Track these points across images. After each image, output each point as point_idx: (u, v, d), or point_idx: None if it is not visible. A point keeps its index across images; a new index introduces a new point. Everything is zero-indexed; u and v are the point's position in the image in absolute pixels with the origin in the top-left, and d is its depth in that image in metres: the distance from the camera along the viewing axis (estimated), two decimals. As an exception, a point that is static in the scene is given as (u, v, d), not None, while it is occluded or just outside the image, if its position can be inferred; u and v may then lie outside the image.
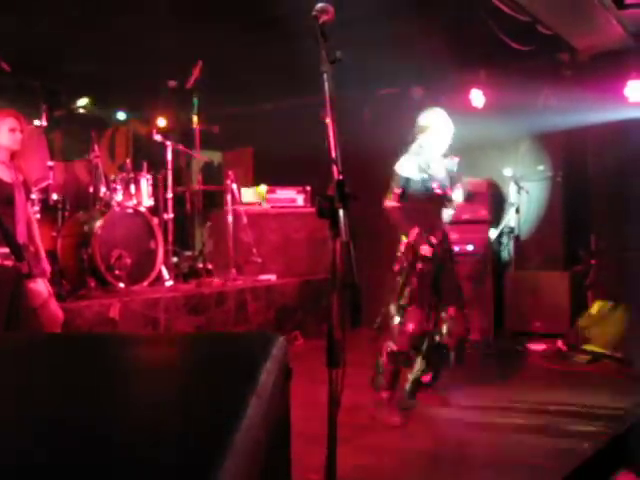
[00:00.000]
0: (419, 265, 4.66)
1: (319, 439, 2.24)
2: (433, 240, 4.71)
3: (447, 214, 4.98)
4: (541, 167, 7.40)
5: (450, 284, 4.89)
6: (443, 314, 4.81)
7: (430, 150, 4.86)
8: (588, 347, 6.33)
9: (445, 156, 4.96)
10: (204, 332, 5.94)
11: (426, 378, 4.94)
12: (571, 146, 7.45)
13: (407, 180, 4.75)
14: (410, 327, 4.65)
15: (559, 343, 6.59)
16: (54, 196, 6.69)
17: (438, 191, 4.77)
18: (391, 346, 4.68)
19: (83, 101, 8.28)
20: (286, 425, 1.80)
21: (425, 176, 4.76)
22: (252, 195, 8.09)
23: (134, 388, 1.56)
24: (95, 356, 1.87)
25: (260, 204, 8.10)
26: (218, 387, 1.51)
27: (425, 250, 4.64)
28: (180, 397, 1.44)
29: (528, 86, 6.85)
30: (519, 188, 7.12)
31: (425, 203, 4.78)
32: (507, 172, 7.20)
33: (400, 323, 4.67)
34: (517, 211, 7.13)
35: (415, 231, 4.67)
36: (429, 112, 4.94)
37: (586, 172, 7.46)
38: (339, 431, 2.19)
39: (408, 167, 4.77)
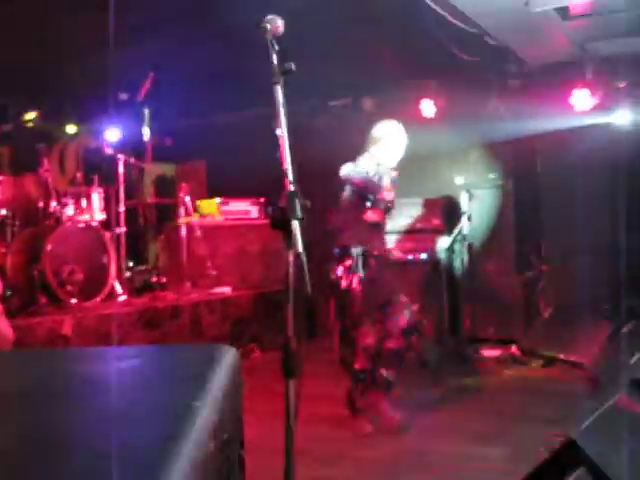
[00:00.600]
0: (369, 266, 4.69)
1: (278, 451, 2.23)
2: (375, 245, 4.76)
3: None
4: (492, 175, 7.50)
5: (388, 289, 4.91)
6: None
7: (381, 161, 4.88)
8: (542, 352, 6.42)
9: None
10: (155, 345, 5.88)
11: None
12: (521, 154, 7.57)
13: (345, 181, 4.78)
14: (366, 342, 4.67)
15: (513, 348, 6.67)
16: (3, 211, 6.56)
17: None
18: (354, 365, 4.71)
19: (31, 115, 8.14)
20: (239, 436, 1.79)
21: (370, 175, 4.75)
22: (207, 207, 8.05)
23: (81, 401, 1.53)
24: (44, 371, 1.84)
25: (214, 217, 8.06)
26: (168, 397, 1.49)
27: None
28: (129, 408, 1.42)
29: (477, 96, 6.97)
30: (471, 196, 7.20)
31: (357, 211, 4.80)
32: (458, 180, 7.29)
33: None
34: (469, 219, 7.21)
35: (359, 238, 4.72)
36: (383, 123, 4.97)
37: (536, 179, 7.60)
38: (298, 442, 2.18)
39: (347, 167, 4.78)
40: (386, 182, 4.85)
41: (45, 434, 1.31)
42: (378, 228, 4.94)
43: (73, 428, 1.34)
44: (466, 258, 7.10)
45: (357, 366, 4.69)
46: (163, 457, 1.12)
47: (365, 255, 4.72)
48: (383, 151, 4.89)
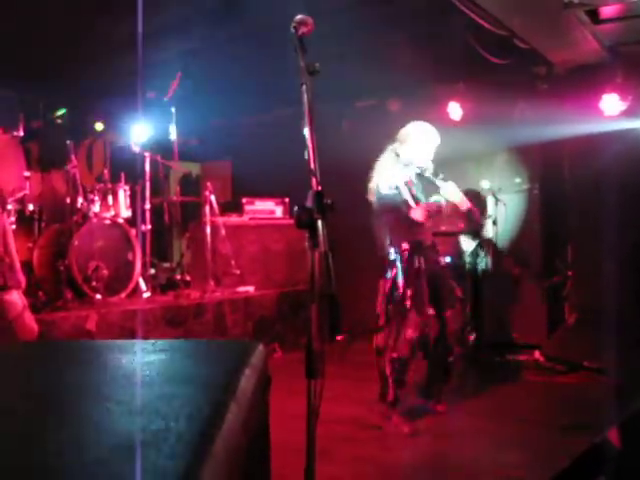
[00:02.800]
0: (414, 272, 4.70)
1: (298, 451, 2.23)
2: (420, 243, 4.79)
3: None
4: (518, 179, 7.45)
5: (445, 289, 4.97)
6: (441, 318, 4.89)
7: (407, 161, 4.88)
8: (566, 358, 6.37)
9: (423, 171, 5.00)
10: (184, 339, 5.91)
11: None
12: (548, 159, 7.51)
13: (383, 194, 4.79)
14: (409, 333, 4.67)
15: (537, 354, 6.62)
16: (30, 207, 6.63)
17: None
18: (392, 354, 4.69)
19: (61, 111, 8.22)
20: (266, 432, 1.79)
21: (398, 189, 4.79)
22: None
23: (111, 395, 1.54)
24: (70, 364, 1.85)
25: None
26: (197, 394, 1.50)
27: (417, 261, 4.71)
28: (158, 404, 1.43)
29: (505, 99, 6.91)
30: (496, 200, 7.15)
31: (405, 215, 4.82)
32: (484, 184, 7.24)
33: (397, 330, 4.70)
34: (495, 223, 7.16)
35: (405, 242, 4.74)
36: (412, 124, 4.97)
37: (563, 184, 7.53)
38: (318, 442, 2.18)
39: (385, 181, 4.80)
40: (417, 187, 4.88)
41: (71, 427, 1.32)
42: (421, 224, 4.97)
43: (102, 422, 1.35)
44: (490, 262, 7.06)
45: (395, 354, 4.68)
46: (193, 453, 1.12)
47: (420, 247, 4.77)
48: (409, 151, 4.88)
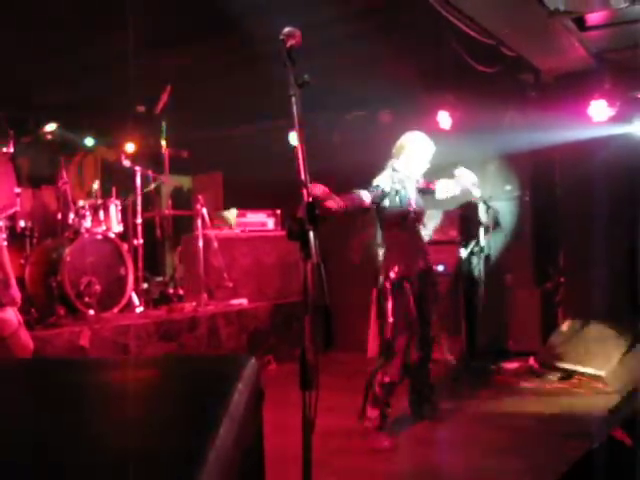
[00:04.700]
0: (403, 291, 4.71)
1: (294, 463, 2.22)
2: (412, 264, 4.79)
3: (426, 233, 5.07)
4: (509, 187, 7.47)
5: (429, 308, 4.96)
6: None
7: (404, 172, 4.89)
8: (560, 364, 6.38)
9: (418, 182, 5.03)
10: (175, 355, 5.89)
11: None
12: (538, 166, 7.54)
13: (382, 195, 4.77)
14: (400, 359, 4.68)
15: (531, 361, 6.62)
16: (22, 223, 6.61)
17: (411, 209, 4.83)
18: (384, 378, 4.69)
19: (51, 127, 8.20)
20: (259, 446, 1.79)
21: (400, 191, 4.79)
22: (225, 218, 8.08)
23: (105, 411, 1.53)
24: (63, 381, 1.84)
25: (231, 227, 8.08)
26: (190, 407, 1.49)
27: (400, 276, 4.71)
28: (151, 418, 1.42)
29: (494, 107, 6.94)
30: (488, 208, 7.17)
31: (401, 225, 4.81)
32: (476, 192, 7.25)
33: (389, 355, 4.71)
34: (486, 231, 7.18)
35: (394, 258, 4.74)
36: (405, 136, 4.98)
37: (554, 191, 7.56)
38: (314, 454, 2.17)
39: (383, 181, 4.80)
40: (411, 194, 4.87)
41: (64, 444, 1.31)
42: (415, 242, 4.97)
43: (93, 438, 1.34)
44: (483, 270, 7.07)
45: (387, 379, 4.68)
46: (187, 468, 1.12)
47: (408, 274, 4.76)
48: (406, 162, 4.90)
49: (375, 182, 4.79)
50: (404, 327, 4.68)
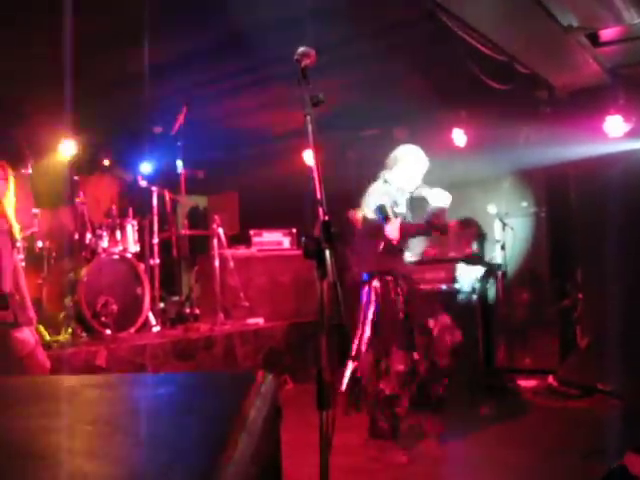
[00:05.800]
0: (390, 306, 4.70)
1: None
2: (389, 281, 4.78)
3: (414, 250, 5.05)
4: (525, 203, 7.44)
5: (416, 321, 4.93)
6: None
7: (396, 184, 4.88)
8: (578, 382, 6.31)
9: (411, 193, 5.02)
10: (193, 372, 5.89)
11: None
12: (554, 182, 7.51)
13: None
14: (399, 368, 4.65)
15: (550, 379, 6.56)
16: (39, 243, 6.66)
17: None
18: (384, 391, 4.66)
19: (68, 147, 8.27)
20: (277, 463, 1.78)
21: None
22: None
23: (122, 427, 1.53)
24: (80, 397, 1.84)
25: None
26: (207, 425, 1.49)
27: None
28: (169, 434, 1.42)
29: (509, 124, 6.94)
30: (504, 225, 7.14)
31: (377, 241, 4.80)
32: (491, 209, 7.24)
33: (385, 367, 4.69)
34: (503, 248, 7.14)
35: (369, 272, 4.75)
36: (399, 148, 4.99)
37: (569, 206, 7.52)
38: (332, 474, 2.16)
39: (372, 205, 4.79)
40: (401, 208, 4.87)
41: (81, 460, 1.31)
42: (395, 252, 4.94)
43: (112, 453, 1.34)
44: (500, 287, 7.04)
45: (387, 391, 4.64)
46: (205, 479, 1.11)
47: (393, 278, 4.74)
48: (399, 174, 4.90)
49: (373, 200, 4.78)
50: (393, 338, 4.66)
